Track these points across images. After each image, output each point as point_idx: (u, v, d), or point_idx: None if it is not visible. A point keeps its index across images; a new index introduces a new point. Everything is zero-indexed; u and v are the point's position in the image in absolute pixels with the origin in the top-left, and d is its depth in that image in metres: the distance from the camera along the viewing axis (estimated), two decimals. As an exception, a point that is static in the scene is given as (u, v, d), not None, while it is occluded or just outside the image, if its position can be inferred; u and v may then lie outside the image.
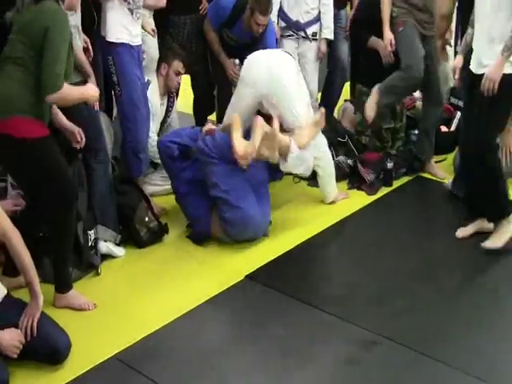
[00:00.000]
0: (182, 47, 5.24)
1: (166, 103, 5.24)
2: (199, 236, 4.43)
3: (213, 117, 5.76)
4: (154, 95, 5.02)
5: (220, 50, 5.43)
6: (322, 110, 4.72)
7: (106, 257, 4.25)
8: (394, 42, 5.18)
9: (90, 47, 4.11)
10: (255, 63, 4.62)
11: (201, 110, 5.77)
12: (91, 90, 3.67)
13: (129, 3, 4.39)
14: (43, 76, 3.34)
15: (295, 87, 4.60)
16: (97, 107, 4.16)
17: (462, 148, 4.39)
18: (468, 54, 4.16)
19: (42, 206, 3.62)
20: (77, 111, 4.05)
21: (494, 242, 4.20)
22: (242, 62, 5.64)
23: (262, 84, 4.50)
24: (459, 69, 4.26)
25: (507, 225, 4.21)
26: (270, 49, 5.24)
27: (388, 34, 5.17)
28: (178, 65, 5.07)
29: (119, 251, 4.31)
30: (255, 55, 4.69)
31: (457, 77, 4.32)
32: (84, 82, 4.06)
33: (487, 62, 3.88)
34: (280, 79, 4.53)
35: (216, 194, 4.31)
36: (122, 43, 4.42)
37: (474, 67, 4.02)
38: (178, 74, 5.10)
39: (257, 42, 5.28)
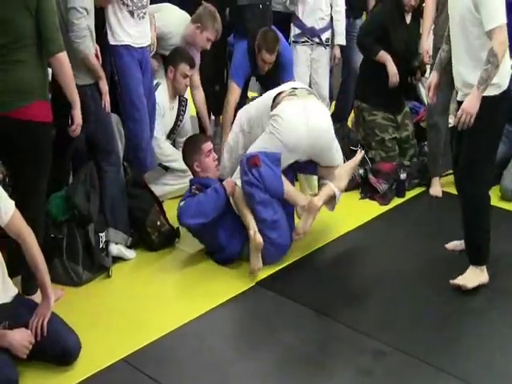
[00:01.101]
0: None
1: (178, 107, 5.24)
2: (225, 261, 4.29)
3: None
4: (163, 97, 5.05)
5: (227, 132, 5.31)
6: (362, 151, 4.67)
7: (117, 259, 4.25)
8: (430, 53, 5.17)
9: (99, 53, 4.12)
10: (292, 127, 4.19)
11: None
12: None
13: (127, 6, 4.41)
14: (47, 30, 3.38)
15: (332, 131, 4.41)
16: (108, 109, 4.17)
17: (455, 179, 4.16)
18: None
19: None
20: (88, 113, 4.07)
21: (465, 281, 3.94)
22: (261, 84, 5.80)
23: (304, 148, 4.24)
24: (434, 85, 4.07)
25: (479, 273, 3.97)
26: (288, 66, 5.43)
27: (425, 45, 5.22)
28: (184, 67, 5.04)
29: (130, 254, 4.31)
30: (289, 116, 4.21)
31: (431, 95, 4.10)
32: (96, 84, 4.07)
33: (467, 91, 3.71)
34: (319, 136, 4.26)
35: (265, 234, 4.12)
36: (123, 45, 4.45)
37: (459, 95, 3.85)
38: (186, 76, 5.08)
39: (276, 66, 5.40)
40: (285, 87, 4.44)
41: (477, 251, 3.97)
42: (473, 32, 3.62)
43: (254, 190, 4.07)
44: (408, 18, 5.43)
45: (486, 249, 3.96)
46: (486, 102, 3.65)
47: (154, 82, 4.99)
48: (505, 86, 3.71)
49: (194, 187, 4.33)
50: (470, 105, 3.64)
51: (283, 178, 4.19)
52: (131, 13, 4.43)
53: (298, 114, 4.20)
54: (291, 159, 4.27)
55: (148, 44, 4.67)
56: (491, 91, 3.66)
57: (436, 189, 5.28)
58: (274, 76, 5.39)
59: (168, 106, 5.13)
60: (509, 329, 3.67)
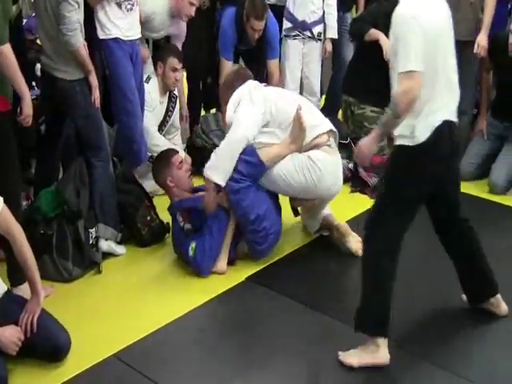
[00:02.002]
0: (188, 41, 5.29)
1: (167, 103, 5.22)
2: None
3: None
4: (154, 90, 5.04)
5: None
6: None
7: (108, 255, 4.25)
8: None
9: (87, 49, 4.10)
10: (324, 181, 4.22)
11: (194, 104, 5.77)
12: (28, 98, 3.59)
13: None
14: None
15: None
16: (97, 104, 4.15)
17: None
18: None
19: None
20: (77, 109, 4.06)
21: (349, 358, 3.31)
22: (244, 60, 5.74)
23: (316, 195, 4.31)
24: None
25: (373, 349, 3.28)
26: (273, 41, 5.47)
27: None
28: (172, 61, 5.01)
29: (120, 249, 4.31)
30: (326, 173, 4.20)
31: None
32: (85, 79, 4.06)
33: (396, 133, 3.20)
34: (334, 194, 4.42)
35: (257, 228, 4.08)
36: (112, 38, 4.45)
37: None
38: (175, 70, 5.05)
39: (262, 41, 5.41)
40: (324, 127, 4.30)
41: (370, 319, 3.31)
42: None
43: (238, 196, 4.03)
44: None
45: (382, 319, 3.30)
46: (397, 152, 3.22)
47: (145, 76, 4.99)
48: (421, 139, 3.11)
49: (180, 219, 4.16)
50: (364, 145, 3.20)
51: (257, 151, 4.07)
52: (119, 5, 4.43)
53: (332, 173, 4.24)
54: (297, 193, 4.29)
55: (138, 37, 4.66)
56: (405, 140, 3.16)
57: None
58: (258, 52, 5.42)
59: (158, 100, 5.12)
60: (509, 324, 3.62)
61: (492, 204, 4.95)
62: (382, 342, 3.28)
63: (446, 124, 3.16)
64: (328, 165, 4.20)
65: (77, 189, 4.14)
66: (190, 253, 4.05)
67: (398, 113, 3.01)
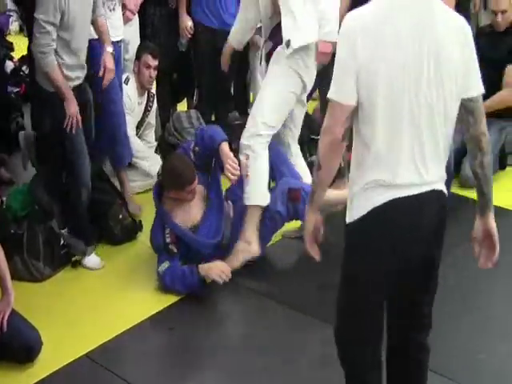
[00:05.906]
0: (149, 38, 5.28)
1: (146, 103, 5.19)
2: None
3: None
4: (133, 93, 5.01)
5: (183, 5, 5.33)
6: None
7: (80, 253, 4.22)
8: None
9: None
10: None
11: (164, 100, 5.73)
12: None
13: None
14: None
15: None
16: (73, 132, 3.89)
17: None
18: None
19: None
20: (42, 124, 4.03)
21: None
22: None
23: None
24: None
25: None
26: None
27: None
28: (146, 57, 4.96)
29: (92, 263, 4.15)
30: None
31: None
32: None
33: None
34: None
35: None
36: (96, 38, 4.38)
37: None
38: (149, 66, 4.97)
39: None
40: None
41: None
42: None
43: (279, 223, 4.10)
44: None
45: None
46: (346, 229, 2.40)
47: (124, 76, 4.96)
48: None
49: (168, 236, 3.91)
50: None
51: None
52: (102, 4, 4.37)
53: None
54: None
55: (119, 39, 4.60)
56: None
57: None
58: None
59: (136, 101, 5.09)
60: (488, 321, 3.63)
61: (464, 198, 4.96)
62: None
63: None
64: None
65: (48, 189, 4.11)
66: (160, 268, 3.89)
67: (320, 163, 2.31)
